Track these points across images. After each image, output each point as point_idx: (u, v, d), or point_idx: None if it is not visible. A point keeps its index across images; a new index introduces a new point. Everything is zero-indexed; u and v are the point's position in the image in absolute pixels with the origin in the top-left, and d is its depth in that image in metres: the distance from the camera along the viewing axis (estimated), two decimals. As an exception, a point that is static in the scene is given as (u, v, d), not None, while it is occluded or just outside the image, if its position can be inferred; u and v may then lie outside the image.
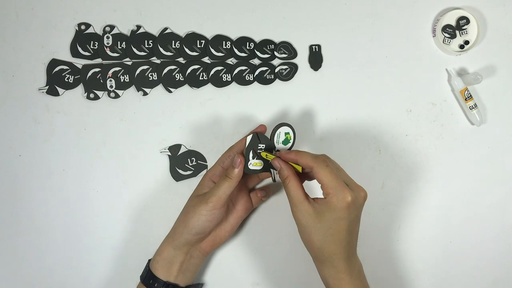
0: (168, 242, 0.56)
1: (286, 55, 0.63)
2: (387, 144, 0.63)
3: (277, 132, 0.54)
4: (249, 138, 0.53)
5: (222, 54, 0.63)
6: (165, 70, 0.62)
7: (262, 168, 0.54)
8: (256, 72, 0.63)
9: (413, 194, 0.63)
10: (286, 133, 0.54)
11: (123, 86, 0.62)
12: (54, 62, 0.62)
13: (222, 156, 0.57)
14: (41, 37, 0.62)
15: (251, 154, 0.53)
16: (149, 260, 0.57)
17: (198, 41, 0.62)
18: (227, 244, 0.62)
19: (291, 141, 0.55)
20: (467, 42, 0.62)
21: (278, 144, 0.54)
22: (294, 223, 0.59)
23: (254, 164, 0.53)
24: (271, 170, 0.54)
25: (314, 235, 0.50)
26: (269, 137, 0.54)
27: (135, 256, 0.62)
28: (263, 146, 0.53)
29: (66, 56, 0.62)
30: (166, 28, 0.62)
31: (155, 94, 0.63)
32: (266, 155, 0.53)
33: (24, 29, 0.62)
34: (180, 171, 0.62)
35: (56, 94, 0.62)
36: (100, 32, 0.62)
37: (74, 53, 0.62)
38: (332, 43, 0.63)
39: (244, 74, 0.63)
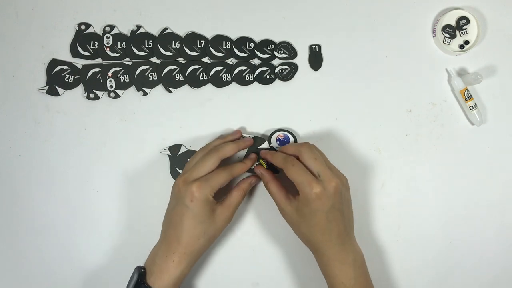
0: (180, 255, 0.53)
1: (286, 55, 0.63)
2: (387, 144, 0.63)
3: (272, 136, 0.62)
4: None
5: (222, 54, 0.63)
6: (165, 70, 0.62)
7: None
8: (256, 72, 0.63)
9: (413, 194, 0.63)
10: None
11: (123, 86, 0.62)
12: (54, 62, 0.62)
13: (235, 168, 0.56)
14: (41, 37, 0.62)
15: None
16: (141, 273, 0.54)
17: (198, 41, 0.62)
18: (226, 244, 0.62)
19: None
20: (467, 42, 0.62)
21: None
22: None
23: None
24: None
25: (301, 229, 0.54)
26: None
27: (135, 256, 0.62)
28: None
29: (66, 56, 0.62)
30: (166, 28, 0.62)
31: (155, 94, 0.63)
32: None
33: (24, 29, 0.62)
34: (180, 171, 0.62)
35: (56, 94, 0.62)
36: (100, 32, 0.62)
37: (74, 53, 0.62)
38: (332, 43, 0.63)
39: (244, 74, 0.63)
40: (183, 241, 0.53)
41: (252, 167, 0.59)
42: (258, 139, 0.61)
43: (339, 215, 0.53)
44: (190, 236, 0.53)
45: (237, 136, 0.60)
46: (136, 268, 0.55)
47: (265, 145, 0.62)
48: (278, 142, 0.61)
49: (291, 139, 0.62)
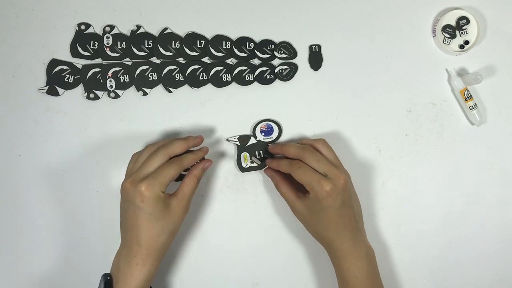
0: (143, 257, 0.52)
1: (286, 55, 0.63)
2: (387, 144, 0.63)
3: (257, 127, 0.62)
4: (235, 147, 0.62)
5: (222, 54, 0.63)
6: (165, 70, 0.62)
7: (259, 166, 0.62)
8: (256, 72, 0.63)
9: (413, 194, 0.63)
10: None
11: (123, 86, 0.62)
12: (54, 62, 0.62)
13: (183, 160, 0.54)
14: (41, 37, 0.62)
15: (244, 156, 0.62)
16: (107, 281, 0.52)
17: (198, 41, 0.62)
18: (226, 244, 0.62)
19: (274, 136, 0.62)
20: (467, 42, 0.62)
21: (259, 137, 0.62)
22: (293, 223, 0.60)
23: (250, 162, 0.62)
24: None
25: (313, 227, 0.56)
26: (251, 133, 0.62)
27: (135, 256, 0.62)
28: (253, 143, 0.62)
29: (66, 56, 0.62)
30: (166, 28, 0.62)
31: (155, 94, 0.63)
32: (259, 158, 0.62)
33: (24, 29, 0.62)
34: (180, 171, 0.62)
35: (56, 94, 0.62)
36: (100, 32, 0.62)
37: (74, 53, 0.62)
38: (332, 43, 0.63)
39: (244, 74, 0.63)
40: (143, 243, 0.52)
41: (262, 169, 0.61)
42: (244, 137, 0.62)
43: (350, 210, 0.54)
44: (150, 236, 0.52)
45: (197, 141, 0.57)
46: (102, 276, 0.54)
47: (252, 140, 0.62)
48: (263, 134, 0.62)
49: (275, 128, 0.62)
